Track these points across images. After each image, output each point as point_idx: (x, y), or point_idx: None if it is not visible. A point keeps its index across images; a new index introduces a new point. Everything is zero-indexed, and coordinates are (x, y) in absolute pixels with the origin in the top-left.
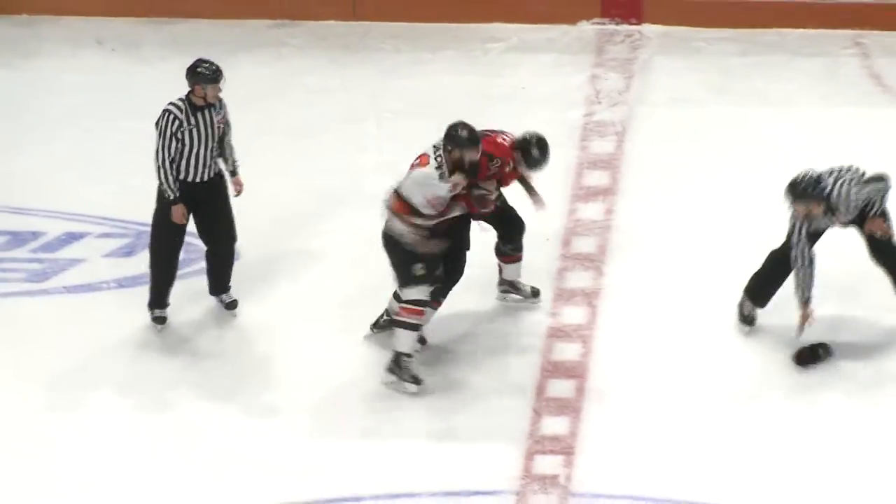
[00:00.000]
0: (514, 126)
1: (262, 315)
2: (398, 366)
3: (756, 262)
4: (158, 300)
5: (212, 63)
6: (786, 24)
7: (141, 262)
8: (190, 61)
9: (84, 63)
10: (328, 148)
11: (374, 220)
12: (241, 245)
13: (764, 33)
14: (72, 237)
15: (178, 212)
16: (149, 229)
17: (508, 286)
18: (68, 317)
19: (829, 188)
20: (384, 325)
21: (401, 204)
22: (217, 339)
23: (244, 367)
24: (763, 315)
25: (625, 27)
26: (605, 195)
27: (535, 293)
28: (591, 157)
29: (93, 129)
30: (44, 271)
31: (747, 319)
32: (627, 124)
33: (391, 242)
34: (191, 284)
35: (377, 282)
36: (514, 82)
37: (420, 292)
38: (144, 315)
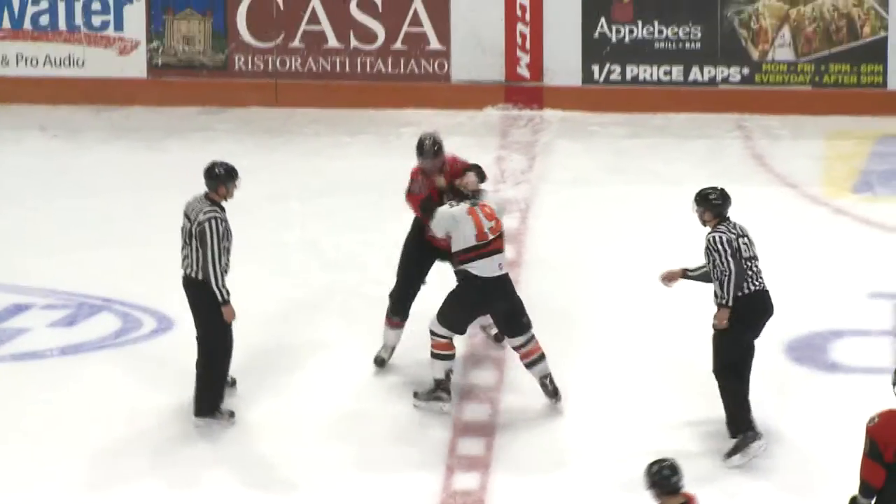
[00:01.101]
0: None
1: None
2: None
3: (656, 331)
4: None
5: (225, 162)
6: (672, 108)
7: (82, 332)
8: (126, 145)
9: (28, 147)
10: (255, 224)
11: (298, 292)
12: (176, 313)
13: (653, 117)
14: (18, 308)
15: (231, 311)
16: (92, 301)
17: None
18: (13, 383)
19: None
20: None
21: None
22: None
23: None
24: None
25: (527, 112)
26: (511, 268)
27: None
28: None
29: (36, 208)
30: None
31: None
32: (531, 201)
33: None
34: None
35: (295, 355)
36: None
37: None
38: (87, 381)
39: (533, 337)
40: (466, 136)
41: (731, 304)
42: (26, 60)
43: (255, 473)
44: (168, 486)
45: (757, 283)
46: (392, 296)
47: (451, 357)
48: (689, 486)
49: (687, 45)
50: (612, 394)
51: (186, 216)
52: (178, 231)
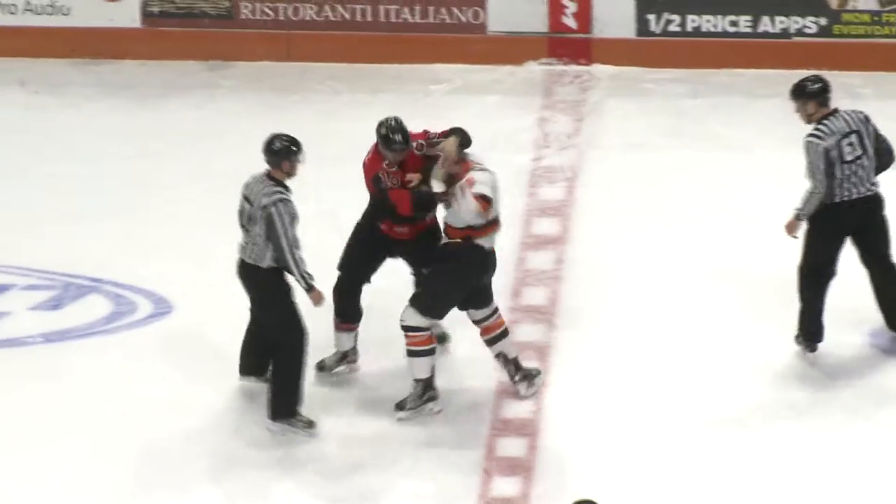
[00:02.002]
0: None
1: (195, 375)
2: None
3: (714, 313)
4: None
5: (286, 134)
6: (739, 63)
7: (69, 316)
8: (118, 104)
9: (6, 106)
10: None
11: (315, 269)
12: (174, 296)
13: (716, 74)
14: None
15: (319, 294)
16: (80, 281)
17: None
18: None
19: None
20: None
21: None
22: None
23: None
24: (731, 375)
25: (574, 67)
26: (555, 244)
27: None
28: (540, 203)
29: (15, 176)
30: None
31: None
32: (578, 169)
33: None
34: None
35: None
36: (459, 125)
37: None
38: (73, 371)
39: (497, 310)
40: (505, 95)
41: (804, 219)
42: (3, 7)
43: (257, 476)
44: (164, 488)
45: (857, 189)
46: (337, 293)
47: (433, 351)
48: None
49: None
50: (668, 391)
51: (246, 199)
52: (179, 202)
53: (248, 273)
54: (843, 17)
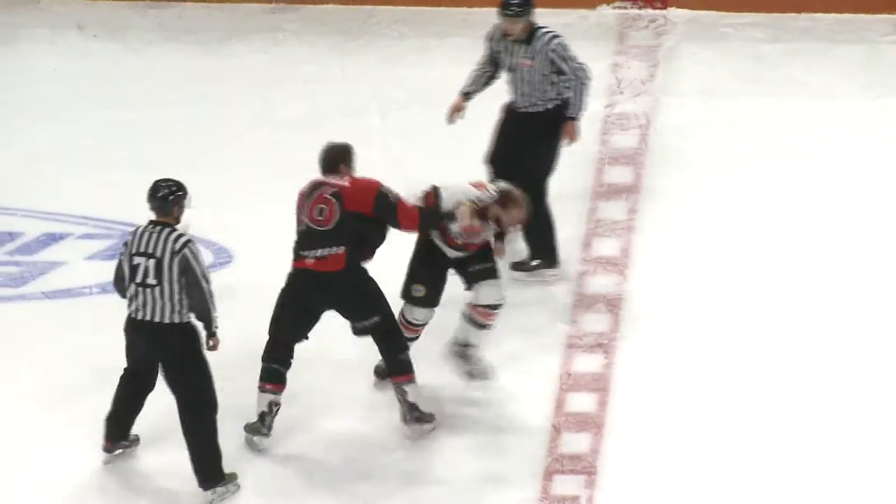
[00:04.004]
0: None
1: (257, 326)
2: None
3: (797, 266)
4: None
5: (169, 179)
6: (819, 8)
7: None
8: (177, 48)
9: (64, 50)
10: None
11: None
12: (234, 247)
13: (796, 18)
14: (51, 238)
15: (218, 339)
16: (131, 229)
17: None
18: (47, 324)
19: None
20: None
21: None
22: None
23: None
24: (805, 331)
25: (648, 11)
26: (628, 193)
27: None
28: (613, 151)
29: (73, 121)
30: (21, 275)
31: None
32: (652, 116)
33: None
34: None
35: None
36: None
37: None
38: None
39: None
40: (577, 40)
41: None
42: None
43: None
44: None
45: None
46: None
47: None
48: None
49: None
50: (741, 345)
51: (143, 254)
52: (240, 150)
53: (160, 334)
54: None
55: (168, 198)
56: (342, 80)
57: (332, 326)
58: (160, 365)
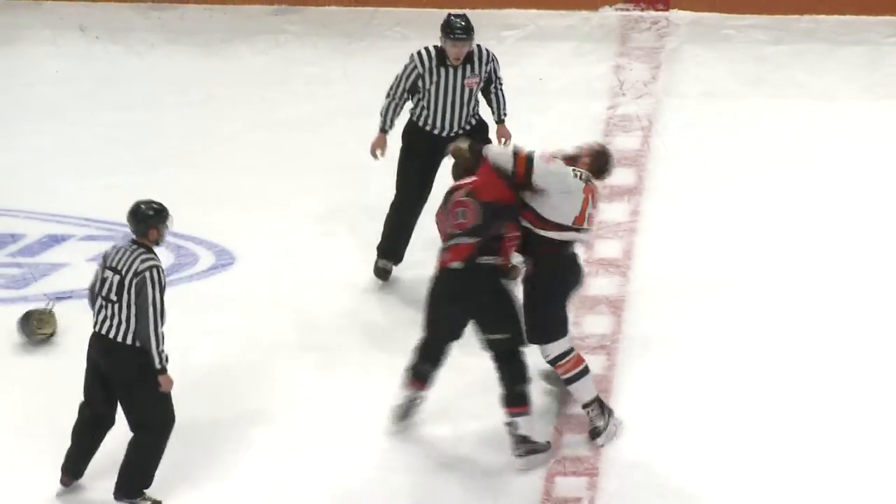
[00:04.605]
0: (533, 119)
1: (260, 329)
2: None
3: (799, 267)
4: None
5: (151, 200)
6: (822, 10)
7: None
8: (180, 50)
9: (66, 51)
10: (331, 144)
11: (377, 224)
12: (236, 248)
13: (798, 20)
14: (53, 240)
15: (169, 379)
16: None
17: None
18: None
19: None
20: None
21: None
22: (222, 355)
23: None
24: (807, 332)
25: (651, 13)
26: (630, 195)
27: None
28: (615, 153)
29: (76, 123)
30: (23, 277)
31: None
32: (654, 118)
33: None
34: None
35: (384, 292)
36: (532, 73)
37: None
38: None
39: None
40: (579, 42)
41: None
42: None
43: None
44: (227, 439)
45: None
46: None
47: (588, 369)
48: None
49: None
50: (745, 347)
51: (111, 268)
52: (243, 151)
53: (115, 351)
54: None
55: (145, 220)
56: (344, 82)
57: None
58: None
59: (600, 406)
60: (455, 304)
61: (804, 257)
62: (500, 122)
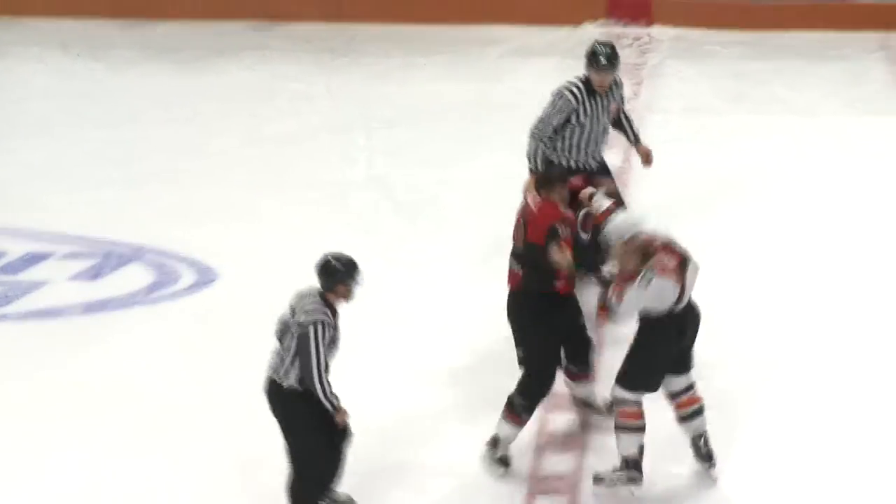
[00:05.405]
0: (514, 137)
1: (242, 345)
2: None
3: (784, 282)
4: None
5: (342, 253)
6: (804, 26)
7: (110, 285)
8: (163, 67)
9: (53, 68)
10: (315, 159)
11: (358, 238)
12: (219, 265)
13: (780, 36)
14: (35, 257)
15: (344, 414)
16: (121, 249)
17: (581, 404)
18: (30, 344)
19: None
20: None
21: None
22: (199, 379)
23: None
24: (795, 343)
25: (633, 29)
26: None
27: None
28: None
29: (62, 139)
30: (4, 295)
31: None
32: (636, 133)
33: None
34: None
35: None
36: (515, 88)
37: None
38: (113, 344)
39: (694, 384)
40: (562, 57)
41: None
42: None
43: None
44: (205, 466)
45: None
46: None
47: (643, 428)
48: None
49: None
50: (730, 370)
51: (291, 308)
52: (226, 167)
53: (271, 391)
54: None
55: (334, 274)
56: (328, 98)
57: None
58: None
59: (628, 467)
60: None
61: (789, 271)
62: (637, 141)
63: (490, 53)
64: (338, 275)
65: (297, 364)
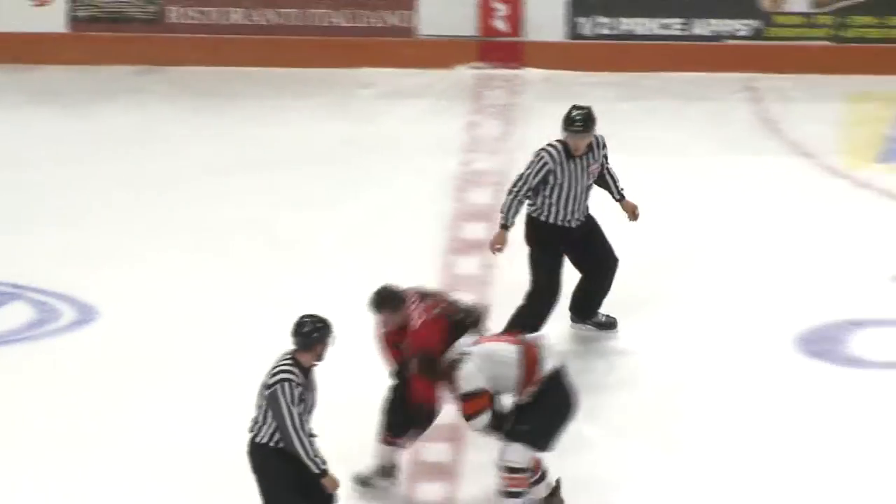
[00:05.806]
0: (388, 177)
1: (121, 383)
2: None
3: (654, 314)
4: None
5: (316, 315)
6: (671, 67)
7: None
8: (43, 111)
9: None
10: (194, 201)
11: (242, 277)
12: (99, 304)
13: (648, 77)
14: None
15: (333, 480)
16: (1, 288)
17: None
18: None
19: None
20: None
21: None
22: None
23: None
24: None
25: (504, 71)
26: (482, 249)
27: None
28: (469, 208)
29: None
30: None
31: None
32: (507, 174)
33: None
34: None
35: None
36: (387, 130)
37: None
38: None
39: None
40: (435, 99)
41: None
42: None
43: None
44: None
45: None
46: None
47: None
48: None
49: None
50: (603, 397)
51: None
52: (105, 209)
53: (250, 450)
54: (774, 20)
55: (309, 336)
56: (205, 140)
57: None
58: None
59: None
60: None
61: (654, 303)
62: (621, 198)
63: (363, 95)
64: (309, 336)
65: (269, 420)
